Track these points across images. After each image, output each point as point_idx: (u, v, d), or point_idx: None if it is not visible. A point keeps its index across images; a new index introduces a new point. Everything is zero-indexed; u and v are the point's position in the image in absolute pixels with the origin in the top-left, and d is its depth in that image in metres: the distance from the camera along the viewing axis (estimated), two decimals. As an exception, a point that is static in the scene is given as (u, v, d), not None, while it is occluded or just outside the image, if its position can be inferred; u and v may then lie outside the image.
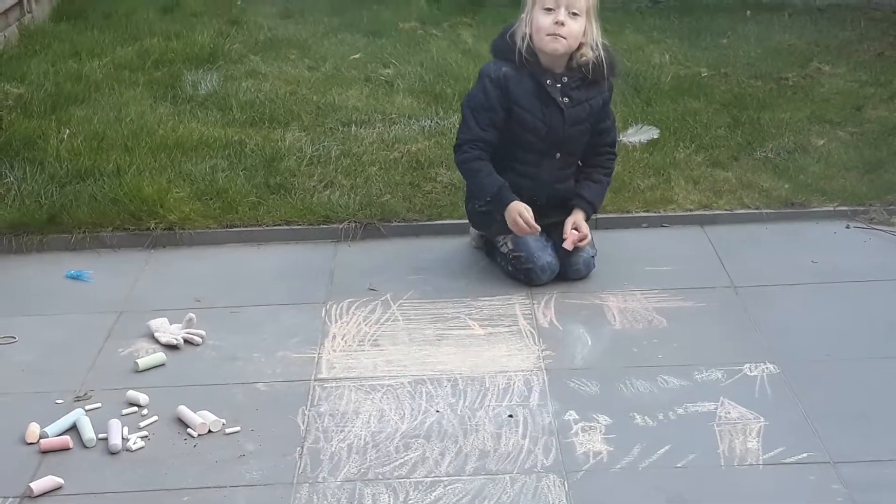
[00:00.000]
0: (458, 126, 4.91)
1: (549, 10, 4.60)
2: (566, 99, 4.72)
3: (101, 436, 3.84)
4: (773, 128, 6.18)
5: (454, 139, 4.89)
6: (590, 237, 4.83)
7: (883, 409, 3.90)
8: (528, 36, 4.67)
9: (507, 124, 4.73)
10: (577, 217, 4.82)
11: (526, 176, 4.80)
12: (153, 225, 5.27)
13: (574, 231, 4.78)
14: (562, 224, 4.84)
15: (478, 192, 4.83)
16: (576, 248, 4.79)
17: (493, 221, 4.85)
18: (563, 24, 4.59)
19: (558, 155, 4.80)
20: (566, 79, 4.72)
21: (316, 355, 4.33)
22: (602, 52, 4.72)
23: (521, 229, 4.69)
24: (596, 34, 4.71)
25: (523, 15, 4.71)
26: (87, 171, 5.61)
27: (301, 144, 5.97)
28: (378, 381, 4.15)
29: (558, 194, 4.86)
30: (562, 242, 4.80)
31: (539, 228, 4.71)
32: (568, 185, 4.87)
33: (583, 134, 4.81)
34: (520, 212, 4.67)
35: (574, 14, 4.61)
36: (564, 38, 4.61)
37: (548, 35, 4.61)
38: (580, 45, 4.68)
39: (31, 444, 3.82)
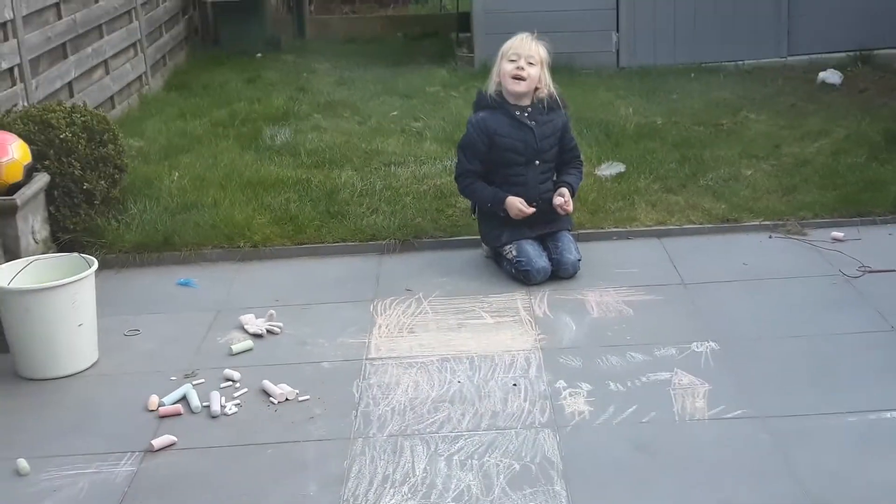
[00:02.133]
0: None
1: (512, 60, 4.81)
2: (533, 122, 4.86)
3: (204, 404, 3.86)
4: (713, 162, 6.16)
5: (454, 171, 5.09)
6: (571, 208, 4.90)
7: (799, 376, 3.88)
8: (497, 83, 4.87)
9: (494, 151, 4.85)
10: (563, 190, 4.88)
11: (517, 184, 4.87)
12: (242, 243, 5.29)
13: (556, 202, 4.84)
14: (553, 234, 4.92)
15: (481, 203, 4.97)
16: (565, 255, 4.81)
17: (500, 235, 4.90)
18: (523, 68, 4.78)
19: (538, 162, 4.88)
20: (531, 109, 4.87)
21: (366, 340, 4.33)
22: (554, 91, 4.91)
23: (521, 213, 4.80)
24: (548, 79, 4.91)
25: (494, 69, 4.92)
26: (191, 204, 5.63)
27: (353, 181, 5.97)
28: (413, 360, 4.15)
29: (543, 195, 4.89)
30: (553, 252, 4.84)
31: (533, 209, 4.81)
32: (549, 187, 4.93)
33: (552, 146, 4.91)
34: (514, 201, 4.81)
35: (531, 63, 4.79)
36: (525, 79, 4.77)
37: (512, 77, 4.81)
38: (536, 88, 4.83)
39: (151, 411, 3.84)
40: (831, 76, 7.97)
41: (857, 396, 3.70)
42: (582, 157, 5.14)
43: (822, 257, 4.94)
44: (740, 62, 8.63)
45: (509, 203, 4.82)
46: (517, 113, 4.85)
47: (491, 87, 4.90)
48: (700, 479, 3.27)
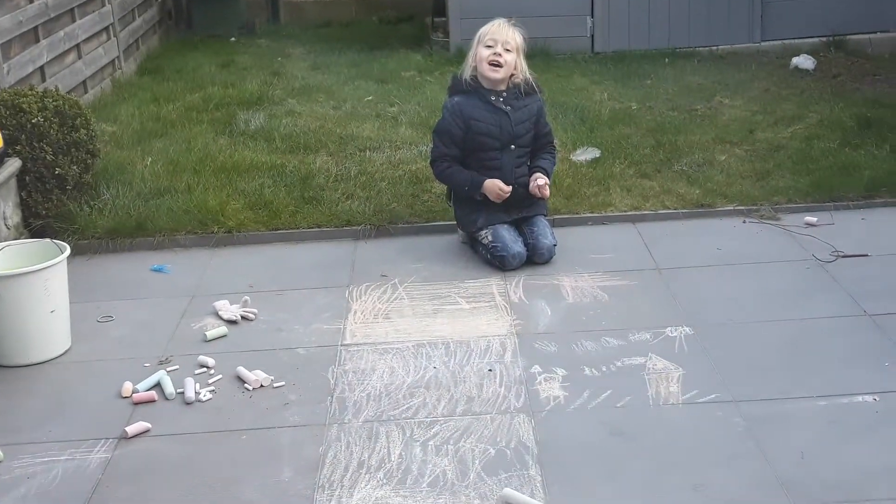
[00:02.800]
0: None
1: (489, 46, 4.80)
2: (509, 107, 4.86)
3: (179, 390, 3.85)
4: (687, 147, 6.17)
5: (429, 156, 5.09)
6: (548, 193, 4.91)
7: (772, 360, 3.91)
8: (473, 68, 4.86)
9: (470, 136, 4.85)
10: (538, 173, 4.88)
11: (493, 168, 4.87)
12: (216, 229, 5.26)
13: (538, 184, 4.84)
14: (529, 219, 4.92)
15: (457, 187, 4.94)
16: (540, 239, 4.81)
17: (476, 220, 4.89)
18: (500, 54, 4.78)
19: (513, 147, 4.88)
20: (506, 94, 4.87)
21: (342, 326, 4.32)
22: (529, 76, 4.91)
23: (499, 194, 4.80)
24: (523, 65, 4.90)
25: (470, 53, 4.91)
26: (165, 189, 5.60)
27: (328, 166, 5.96)
28: (389, 346, 4.15)
29: (518, 180, 4.89)
30: (529, 237, 4.84)
31: (510, 189, 4.81)
32: (524, 171, 4.92)
33: (527, 130, 4.91)
34: (494, 183, 4.81)
35: (507, 50, 4.79)
36: (501, 66, 4.77)
37: (489, 63, 4.80)
38: (512, 74, 4.85)
39: (125, 397, 3.82)
40: (805, 61, 8.00)
41: (828, 380, 3.73)
42: (556, 143, 5.14)
43: (795, 242, 4.97)
44: (714, 47, 8.64)
45: (488, 186, 4.81)
46: (492, 98, 4.84)
47: (466, 72, 4.89)
48: (674, 463, 3.30)
